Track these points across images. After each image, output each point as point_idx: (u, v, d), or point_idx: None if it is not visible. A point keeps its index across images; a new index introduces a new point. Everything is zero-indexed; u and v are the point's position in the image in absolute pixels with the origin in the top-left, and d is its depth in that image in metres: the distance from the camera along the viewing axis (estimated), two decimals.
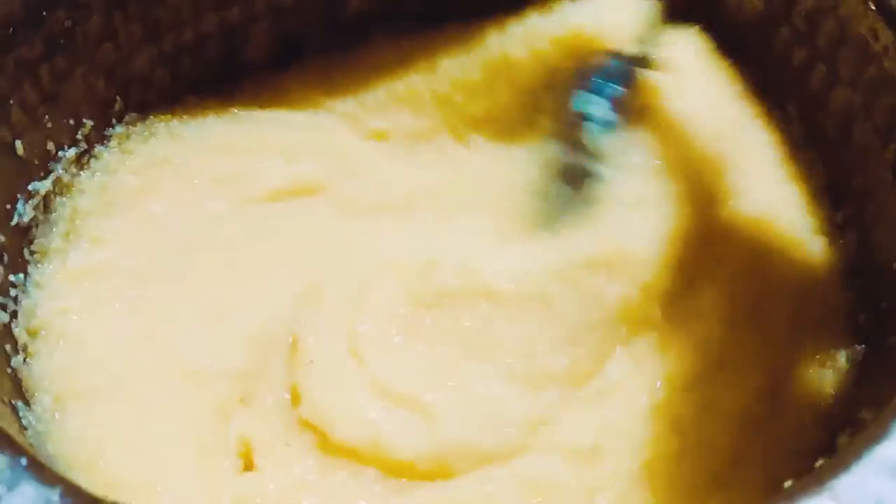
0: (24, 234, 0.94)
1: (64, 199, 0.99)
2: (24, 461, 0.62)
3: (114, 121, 1.05)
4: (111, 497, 0.62)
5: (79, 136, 1.01)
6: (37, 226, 0.95)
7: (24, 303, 0.92)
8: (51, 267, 0.95)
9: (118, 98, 1.05)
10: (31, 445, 0.79)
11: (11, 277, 0.91)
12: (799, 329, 0.89)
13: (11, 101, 0.92)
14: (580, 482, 0.83)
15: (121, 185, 1.02)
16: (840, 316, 0.90)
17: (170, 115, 1.08)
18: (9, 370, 0.87)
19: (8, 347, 0.88)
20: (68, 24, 0.96)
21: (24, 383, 0.87)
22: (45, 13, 0.94)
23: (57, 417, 0.84)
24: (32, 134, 0.95)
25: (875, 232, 0.89)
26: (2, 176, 0.91)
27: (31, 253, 0.95)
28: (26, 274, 0.93)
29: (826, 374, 0.86)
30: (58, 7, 0.95)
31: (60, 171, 0.98)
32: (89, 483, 0.65)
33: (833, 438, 0.79)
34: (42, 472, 0.62)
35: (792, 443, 0.83)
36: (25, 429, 0.82)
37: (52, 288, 0.93)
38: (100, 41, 1.00)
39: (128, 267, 0.96)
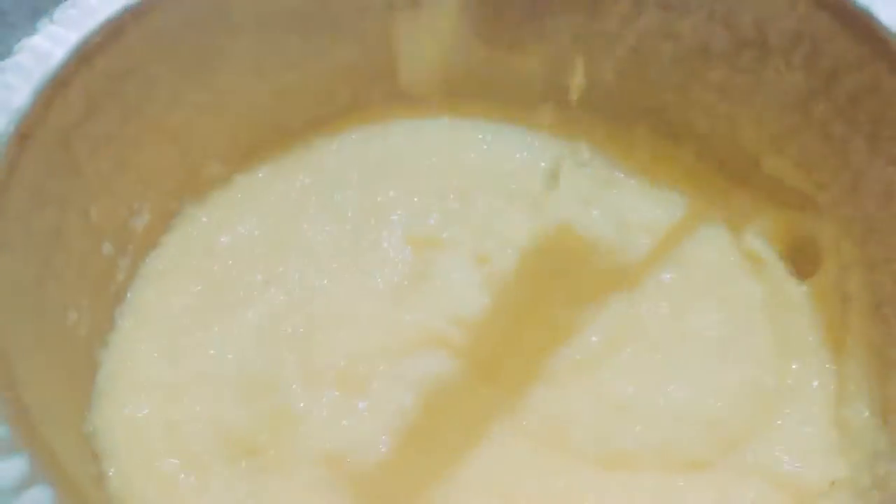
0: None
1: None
2: None
3: (177, 182, 1.10)
4: None
5: (146, 201, 1.06)
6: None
7: None
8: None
9: (182, 160, 1.10)
10: None
11: None
12: None
13: (88, 171, 0.97)
14: None
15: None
16: None
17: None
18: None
19: None
20: (142, 97, 1.01)
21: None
22: (119, 84, 0.99)
23: None
24: (105, 200, 1.00)
25: None
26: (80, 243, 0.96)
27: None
28: None
29: None
30: (131, 78, 1.00)
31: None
32: None
33: None
34: None
35: None
36: None
37: None
38: (169, 110, 1.05)
39: None
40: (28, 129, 0.89)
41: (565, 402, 0.93)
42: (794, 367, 0.99)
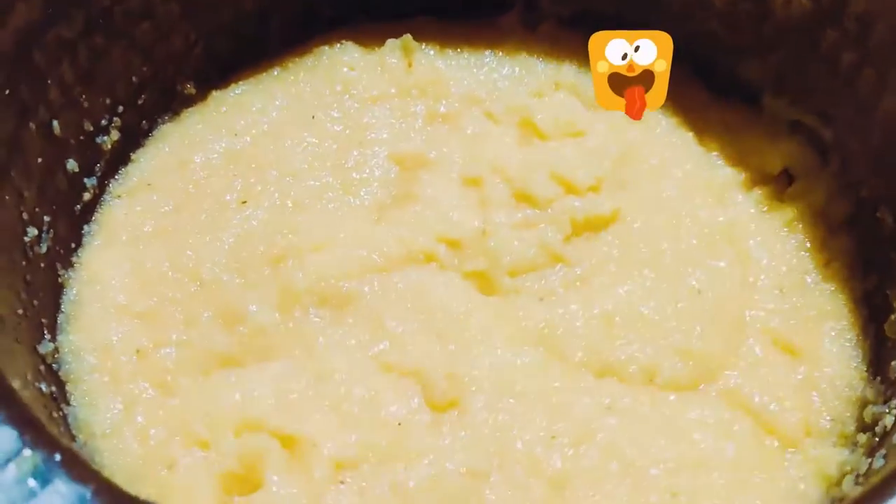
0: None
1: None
2: (57, 457, 0.62)
3: (149, 99, 1.05)
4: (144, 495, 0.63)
5: (114, 117, 1.01)
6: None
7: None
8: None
9: (154, 76, 1.05)
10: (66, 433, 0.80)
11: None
12: None
13: (49, 81, 0.92)
14: None
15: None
16: None
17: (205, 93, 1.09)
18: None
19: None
20: (107, 2, 0.96)
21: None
22: None
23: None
24: (69, 114, 0.95)
25: None
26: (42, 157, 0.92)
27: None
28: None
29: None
30: None
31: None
32: None
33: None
34: (75, 468, 0.62)
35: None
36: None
37: None
38: (138, 20, 1.00)
39: None
40: None
41: (559, 314, 0.92)
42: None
